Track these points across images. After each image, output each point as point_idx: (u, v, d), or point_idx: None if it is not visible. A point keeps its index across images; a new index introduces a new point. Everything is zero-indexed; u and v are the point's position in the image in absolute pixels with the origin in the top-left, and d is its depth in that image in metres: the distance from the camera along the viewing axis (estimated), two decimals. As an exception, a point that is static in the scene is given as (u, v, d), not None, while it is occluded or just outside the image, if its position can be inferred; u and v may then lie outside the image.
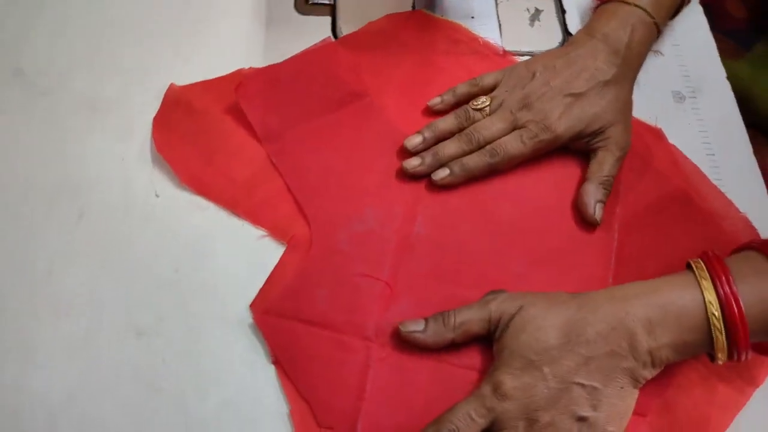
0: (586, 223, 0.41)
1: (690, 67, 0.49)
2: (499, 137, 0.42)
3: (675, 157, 0.44)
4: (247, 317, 0.37)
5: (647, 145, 0.44)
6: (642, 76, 0.47)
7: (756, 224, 0.42)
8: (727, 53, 0.50)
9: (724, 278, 0.32)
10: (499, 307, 0.35)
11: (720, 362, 0.33)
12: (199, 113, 0.43)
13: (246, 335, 0.37)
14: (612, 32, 0.43)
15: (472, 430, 0.32)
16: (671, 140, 0.45)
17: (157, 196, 0.41)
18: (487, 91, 0.44)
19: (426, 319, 0.36)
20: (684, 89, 0.48)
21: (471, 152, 0.42)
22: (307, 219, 0.40)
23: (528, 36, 0.49)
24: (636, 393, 0.34)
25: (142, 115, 0.43)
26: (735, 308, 0.32)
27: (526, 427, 0.32)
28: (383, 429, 0.34)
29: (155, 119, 0.43)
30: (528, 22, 0.50)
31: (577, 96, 0.41)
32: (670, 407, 0.36)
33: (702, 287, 0.33)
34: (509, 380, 0.33)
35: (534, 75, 0.43)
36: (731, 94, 0.48)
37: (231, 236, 0.40)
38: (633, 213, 0.42)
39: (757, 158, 0.45)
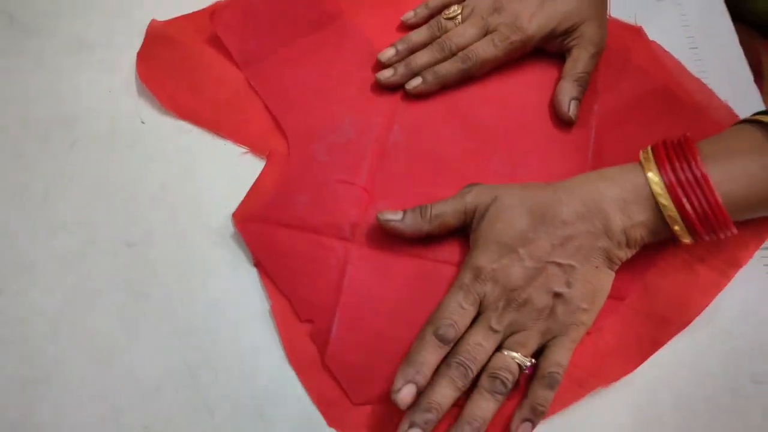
0: (562, 121, 0.41)
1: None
2: (471, 43, 0.42)
3: (655, 53, 0.44)
4: (230, 227, 0.39)
5: (626, 43, 0.44)
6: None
7: (742, 112, 0.41)
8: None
9: (668, 164, 0.33)
10: (474, 198, 0.36)
11: (687, 242, 0.34)
12: (180, 44, 0.45)
13: (229, 243, 0.38)
14: None
15: (466, 320, 0.33)
16: (652, 37, 0.44)
17: (142, 122, 0.43)
18: (460, 0, 0.44)
19: (404, 211, 0.37)
20: (666, -14, 0.47)
21: (444, 60, 0.42)
22: (285, 134, 0.41)
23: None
24: (611, 274, 0.34)
25: (126, 50, 0.45)
26: (677, 197, 0.32)
27: (505, 305, 0.33)
28: (361, 320, 0.36)
29: (139, 53, 0.44)
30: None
31: None
32: (650, 290, 0.36)
33: (645, 171, 0.33)
34: (488, 264, 0.34)
35: None
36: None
37: (214, 154, 0.41)
38: (612, 109, 0.42)
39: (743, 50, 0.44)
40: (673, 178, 0.33)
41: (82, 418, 0.34)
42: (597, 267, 0.34)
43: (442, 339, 0.32)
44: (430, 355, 0.32)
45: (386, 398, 0.33)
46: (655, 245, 0.36)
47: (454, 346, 0.33)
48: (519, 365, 0.33)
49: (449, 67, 0.42)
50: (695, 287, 0.36)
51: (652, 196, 0.33)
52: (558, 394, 0.33)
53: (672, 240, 0.35)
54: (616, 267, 0.35)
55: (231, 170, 0.41)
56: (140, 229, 0.39)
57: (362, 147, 0.41)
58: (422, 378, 0.32)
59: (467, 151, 0.41)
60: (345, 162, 0.40)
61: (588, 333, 0.35)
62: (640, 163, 0.34)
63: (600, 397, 0.34)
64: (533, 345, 0.33)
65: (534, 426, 0.32)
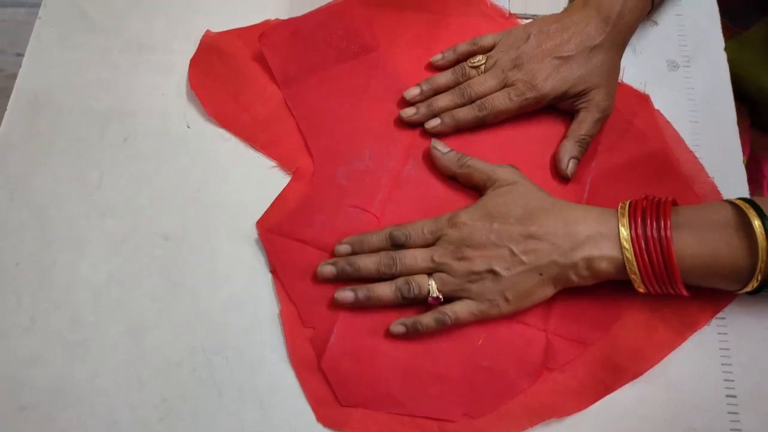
0: (559, 176, 0.45)
1: (689, 37, 0.51)
2: (490, 93, 0.46)
3: (657, 121, 0.47)
4: (253, 233, 0.44)
5: (632, 108, 0.48)
6: (639, 43, 0.50)
7: (727, 191, 0.45)
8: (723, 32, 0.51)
9: (640, 220, 0.38)
10: (503, 172, 0.42)
11: (641, 291, 0.39)
12: (230, 57, 0.49)
13: (251, 247, 0.44)
14: (605, 1, 0.46)
15: (419, 241, 0.41)
16: (658, 106, 0.48)
17: (188, 126, 0.48)
18: (486, 50, 0.48)
19: (451, 149, 0.45)
20: (679, 58, 0.50)
21: (463, 105, 0.46)
22: (311, 155, 0.46)
23: (536, 3, 0.52)
24: (550, 291, 0.40)
25: (181, 55, 0.50)
26: (639, 250, 0.37)
27: (453, 251, 0.40)
28: (357, 334, 0.41)
29: (192, 60, 0.49)
30: (539, -14, 0.53)
31: (565, 59, 0.45)
32: (612, 340, 0.41)
33: (619, 220, 0.38)
34: (465, 217, 0.41)
35: (529, 37, 0.46)
36: (726, 65, 0.50)
37: (247, 164, 0.47)
38: (608, 167, 0.46)
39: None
40: (639, 232, 0.37)
41: (111, 382, 0.40)
42: (541, 275, 0.39)
43: (391, 237, 0.41)
44: (376, 241, 0.42)
45: (371, 402, 0.39)
46: (623, 302, 0.41)
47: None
48: (429, 291, 0.40)
49: (466, 113, 0.46)
50: (652, 343, 0.41)
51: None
52: (514, 419, 0.39)
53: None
54: (560, 286, 0.40)
55: (260, 181, 0.46)
56: (176, 224, 0.45)
57: (378, 176, 0.46)
58: (359, 247, 0.41)
59: (471, 191, 0.45)
60: (361, 189, 0.45)
61: (550, 370, 0.40)
62: (618, 211, 0.39)
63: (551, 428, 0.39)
64: (449, 289, 0.40)
65: (405, 332, 0.40)
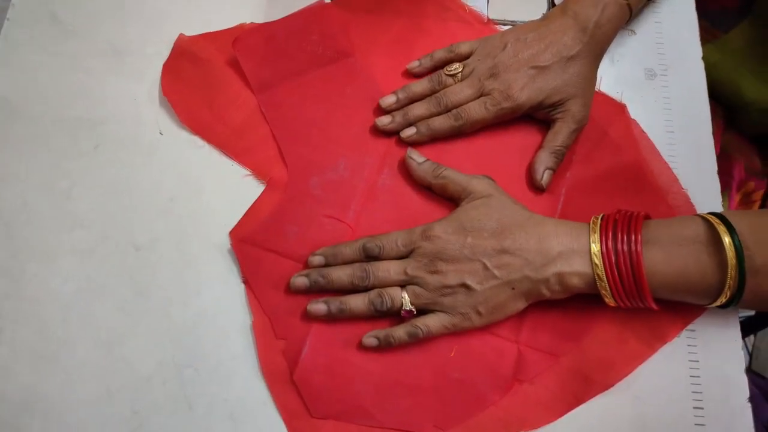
0: (534, 187, 0.45)
1: (666, 45, 0.51)
2: (466, 102, 0.46)
3: (632, 132, 0.47)
4: (227, 243, 0.44)
5: (608, 117, 0.48)
6: (617, 51, 0.50)
7: (700, 203, 0.45)
8: (702, 36, 0.51)
9: (611, 235, 0.38)
10: (478, 185, 0.42)
11: (611, 304, 0.39)
12: (203, 62, 0.49)
13: (224, 257, 0.44)
14: (582, 10, 0.45)
15: (392, 253, 0.41)
16: (634, 115, 0.48)
17: (161, 133, 0.47)
18: (463, 57, 0.48)
19: (426, 159, 0.44)
20: (657, 66, 0.50)
21: (438, 114, 0.46)
22: (286, 163, 0.46)
23: (515, 5, 0.52)
24: (522, 304, 0.40)
25: (154, 60, 0.49)
26: (609, 266, 0.37)
27: (426, 264, 0.40)
28: (329, 346, 0.41)
29: (165, 65, 0.49)
30: (517, -8, 0.53)
31: (541, 69, 0.45)
32: (583, 352, 0.41)
33: (590, 235, 0.39)
34: (439, 230, 0.40)
35: (505, 46, 0.46)
36: (703, 74, 0.50)
37: (221, 173, 0.46)
38: (582, 178, 0.46)
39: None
40: (610, 247, 0.38)
41: (81, 396, 0.40)
42: (513, 289, 0.39)
43: (365, 249, 0.41)
44: (350, 252, 0.42)
45: (343, 415, 0.39)
46: (594, 314, 0.41)
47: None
48: (402, 304, 0.40)
49: (442, 122, 0.46)
50: (623, 355, 0.41)
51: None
52: (484, 431, 0.39)
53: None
54: (532, 300, 0.40)
55: (234, 190, 0.45)
56: (147, 234, 0.44)
57: (353, 186, 0.45)
58: (332, 259, 0.42)
59: (445, 201, 0.45)
60: (336, 199, 0.45)
61: (521, 382, 0.41)
62: (590, 226, 0.39)
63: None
64: (422, 302, 0.40)
65: (377, 344, 0.40)
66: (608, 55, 0.49)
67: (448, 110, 0.46)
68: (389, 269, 0.41)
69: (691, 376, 0.41)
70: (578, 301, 0.41)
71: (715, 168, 0.47)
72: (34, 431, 0.39)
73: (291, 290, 0.42)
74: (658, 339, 0.42)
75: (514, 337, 0.41)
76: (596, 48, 0.46)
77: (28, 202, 0.45)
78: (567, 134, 0.45)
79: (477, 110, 0.45)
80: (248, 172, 0.46)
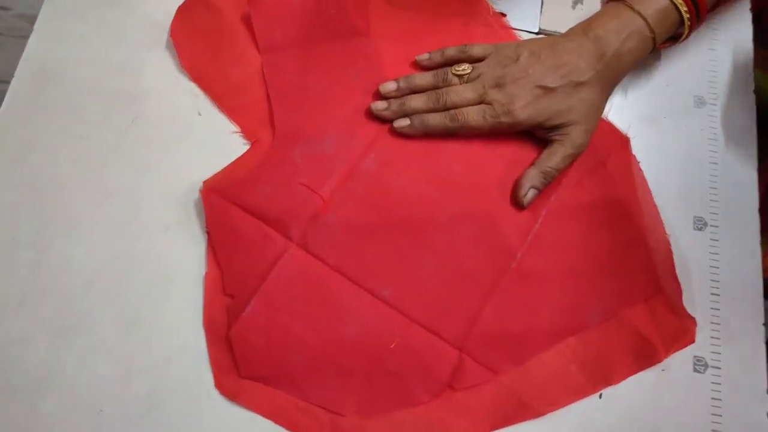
0: (515, 202, 0.44)
1: (719, 74, 0.49)
2: (465, 105, 0.44)
3: (631, 167, 0.46)
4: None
5: (609, 149, 0.46)
6: (669, 75, 0.49)
7: (738, 241, 0.44)
8: (761, 63, 0.50)
9: None
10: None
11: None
12: (217, 12, 0.48)
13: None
14: (605, 35, 0.43)
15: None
16: (678, 142, 0.47)
17: (199, 114, 0.46)
18: (474, 60, 0.46)
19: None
20: (707, 95, 0.49)
21: (435, 111, 0.45)
22: (274, 127, 0.45)
23: (566, 18, 0.51)
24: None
25: (197, 39, 0.48)
26: None
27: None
28: (274, 310, 0.41)
29: (179, 8, 0.48)
30: (571, 3, 0.52)
31: (547, 90, 0.43)
32: (524, 375, 0.41)
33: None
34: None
35: (518, 58, 0.44)
36: (753, 108, 0.48)
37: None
38: (566, 204, 0.44)
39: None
40: None
41: (98, 373, 0.40)
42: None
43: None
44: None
45: (270, 380, 0.40)
46: (544, 339, 0.41)
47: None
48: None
49: (437, 120, 0.44)
50: (563, 387, 0.41)
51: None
52: (404, 428, 0.39)
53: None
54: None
55: (219, 144, 0.45)
56: (177, 215, 0.44)
57: (334, 163, 0.44)
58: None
59: (425, 197, 0.44)
60: (315, 171, 0.44)
61: (453, 389, 0.40)
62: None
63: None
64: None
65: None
66: (663, 78, 0.48)
67: (446, 109, 0.45)
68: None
69: (712, 414, 0.41)
70: (534, 321, 0.41)
71: (757, 206, 0.46)
72: (51, 405, 0.39)
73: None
74: (604, 379, 0.41)
75: (459, 344, 0.41)
76: (610, 78, 0.44)
77: (59, 174, 0.44)
78: (561, 158, 0.43)
79: (474, 117, 0.44)
80: (236, 129, 0.46)
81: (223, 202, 0.43)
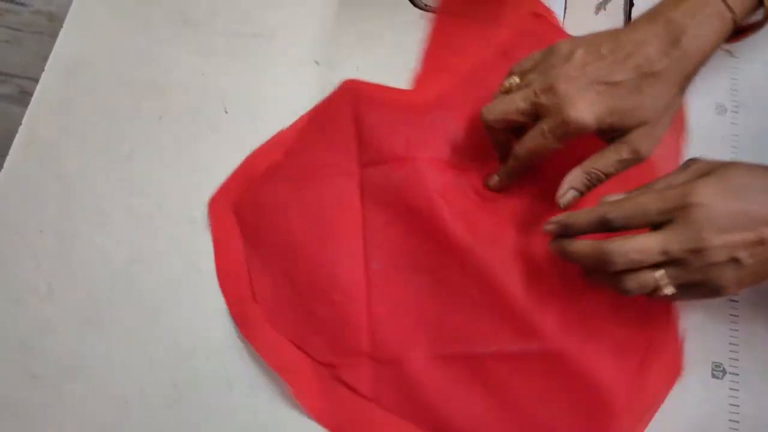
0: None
1: (741, 81, 0.50)
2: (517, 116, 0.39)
3: None
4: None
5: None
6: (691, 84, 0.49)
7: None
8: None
9: None
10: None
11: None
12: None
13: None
14: (678, 18, 0.37)
15: (642, 222, 0.35)
16: (699, 149, 0.47)
17: (226, 111, 0.47)
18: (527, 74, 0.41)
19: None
20: (728, 102, 0.49)
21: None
22: None
23: (589, 24, 0.51)
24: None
25: (224, 36, 0.49)
26: None
27: (690, 239, 0.33)
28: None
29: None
30: (594, 9, 0.52)
31: (612, 85, 0.37)
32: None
33: None
34: (704, 195, 0.34)
35: (572, 55, 0.38)
36: (775, 117, 0.49)
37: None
38: None
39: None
40: None
41: (123, 364, 0.40)
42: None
43: (606, 222, 0.35)
44: (584, 223, 0.36)
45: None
46: None
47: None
48: (658, 288, 0.35)
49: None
50: None
51: None
52: None
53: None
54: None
55: None
56: (203, 209, 0.44)
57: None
58: (563, 231, 0.37)
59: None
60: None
61: None
62: None
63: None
64: (681, 281, 0.35)
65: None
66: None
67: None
68: (643, 249, 0.34)
69: (729, 420, 0.41)
70: None
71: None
72: (76, 394, 0.40)
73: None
74: None
75: None
76: (687, 67, 0.38)
77: (87, 164, 0.45)
78: (613, 161, 0.38)
79: (532, 141, 0.39)
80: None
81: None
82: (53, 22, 1.11)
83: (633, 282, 0.35)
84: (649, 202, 0.35)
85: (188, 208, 0.44)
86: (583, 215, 0.36)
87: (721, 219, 0.33)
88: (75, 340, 0.41)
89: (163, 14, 0.50)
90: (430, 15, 0.50)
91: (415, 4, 0.51)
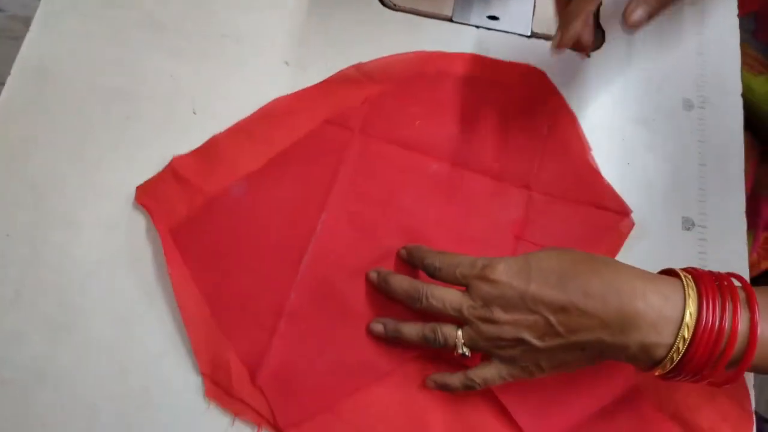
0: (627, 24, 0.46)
1: (708, 77, 0.50)
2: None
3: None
4: (251, 230, 0.43)
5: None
6: (657, 80, 0.50)
7: (726, 239, 0.45)
8: (751, 66, 0.51)
9: (716, 301, 0.32)
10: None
11: (658, 374, 0.34)
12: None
13: (247, 245, 0.43)
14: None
15: (449, 278, 0.37)
16: (668, 144, 0.48)
17: (194, 113, 0.47)
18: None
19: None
20: (695, 98, 0.50)
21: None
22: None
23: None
24: (595, 361, 0.35)
25: (194, 37, 0.49)
26: (701, 334, 0.32)
27: (482, 308, 0.35)
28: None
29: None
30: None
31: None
32: None
33: (686, 302, 0.33)
34: (500, 272, 0.35)
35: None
36: (740, 111, 0.49)
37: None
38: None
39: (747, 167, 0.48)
40: (712, 315, 0.32)
41: (94, 370, 0.40)
42: (583, 350, 0.34)
43: (424, 266, 0.38)
44: (407, 258, 0.40)
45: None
46: None
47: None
48: (456, 345, 0.37)
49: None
50: None
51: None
52: None
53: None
54: (608, 359, 0.35)
55: None
56: (174, 213, 0.44)
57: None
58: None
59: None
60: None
61: None
62: (684, 287, 0.33)
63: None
64: (477, 347, 0.36)
65: (434, 387, 0.39)
66: (653, 83, 0.49)
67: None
68: (444, 300, 0.37)
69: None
70: None
71: (743, 206, 0.46)
72: (45, 401, 0.39)
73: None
74: None
75: None
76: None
77: (56, 169, 0.45)
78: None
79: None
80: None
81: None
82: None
83: (439, 333, 0.37)
84: (459, 262, 0.37)
85: (158, 212, 0.44)
86: (408, 252, 0.41)
87: (510, 298, 0.35)
88: (44, 347, 0.40)
89: (132, 17, 0.49)
90: (399, 14, 0.51)
91: (384, 4, 0.51)
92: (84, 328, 0.41)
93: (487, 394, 0.40)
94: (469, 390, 0.38)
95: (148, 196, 0.43)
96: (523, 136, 0.47)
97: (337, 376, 0.40)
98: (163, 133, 0.46)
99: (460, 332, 0.37)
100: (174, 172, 0.44)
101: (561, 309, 0.34)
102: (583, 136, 0.48)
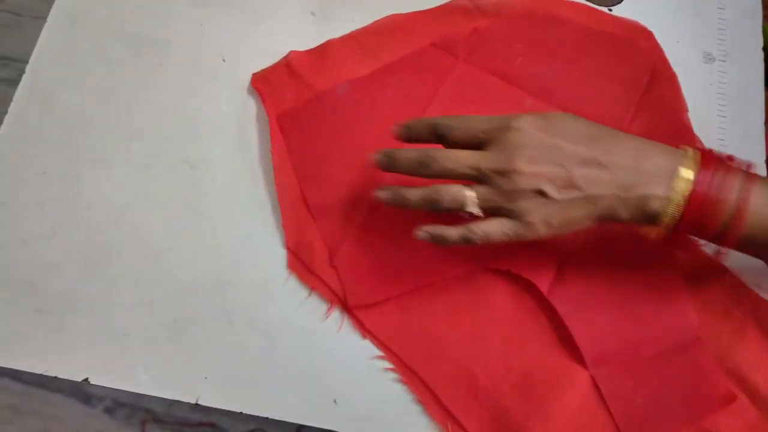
0: None
1: (729, 31, 0.51)
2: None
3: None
4: (268, 167, 0.44)
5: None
6: (677, 31, 0.50)
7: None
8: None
9: (716, 166, 0.35)
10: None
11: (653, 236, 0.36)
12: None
13: (268, 182, 0.44)
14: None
15: (466, 137, 0.36)
16: (687, 97, 0.48)
17: (223, 60, 0.48)
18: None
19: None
20: (716, 51, 0.50)
21: None
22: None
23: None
24: (591, 223, 0.35)
25: (221, -13, 0.50)
26: (699, 191, 0.34)
27: (503, 159, 0.34)
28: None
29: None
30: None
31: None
32: None
33: (683, 162, 0.34)
34: (525, 123, 0.35)
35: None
36: (761, 65, 0.50)
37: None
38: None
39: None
40: (711, 176, 0.34)
41: (124, 300, 0.41)
42: (595, 205, 0.34)
43: (435, 127, 0.36)
44: (421, 129, 0.37)
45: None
46: None
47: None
48: (464, 204, 0.35)
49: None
50: None
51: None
52: None
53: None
54: (603, 221, 0.35)
55: None
56: (202, 154, 0.45)
57: None
58: (404, 132, 0.38)
59: None
60: None
61: None
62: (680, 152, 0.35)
63: None
64: (489, 205, 0.35)
65: (429, 239, 0.36)
66: (672, 36, 0.49)
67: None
68: (458, 159, 0.35)
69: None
70: None
71: (764, 158, 0.47)
72: (78, 327, 0.41)
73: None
74: None
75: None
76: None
77: (86, 111, 0.46)
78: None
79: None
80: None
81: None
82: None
83: (446, 193, 0.35)
84: (478, 119, 0.36)
85: (187, 153, 0.45)
86: (421, 122, 0.37)
87: (535, 148, 0.34)
88: (77, 279, 0.42)
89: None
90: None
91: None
92: (115, 262, 0.42)
93: (552, 315, 0.40)
94: (466, 244, 0.35)
95: (261, 82, 0.47)
96: (620, 87, 0.47)
97: (407, 271, 0.41)
98: (192, 78, 0.47)
99: (470, 192, 0.35)
100: (288, 65, 0.47)
101: (584, 162, 0.34)
102: (682, 96, 0.47)
